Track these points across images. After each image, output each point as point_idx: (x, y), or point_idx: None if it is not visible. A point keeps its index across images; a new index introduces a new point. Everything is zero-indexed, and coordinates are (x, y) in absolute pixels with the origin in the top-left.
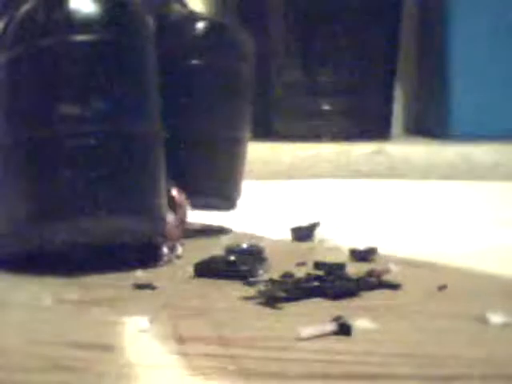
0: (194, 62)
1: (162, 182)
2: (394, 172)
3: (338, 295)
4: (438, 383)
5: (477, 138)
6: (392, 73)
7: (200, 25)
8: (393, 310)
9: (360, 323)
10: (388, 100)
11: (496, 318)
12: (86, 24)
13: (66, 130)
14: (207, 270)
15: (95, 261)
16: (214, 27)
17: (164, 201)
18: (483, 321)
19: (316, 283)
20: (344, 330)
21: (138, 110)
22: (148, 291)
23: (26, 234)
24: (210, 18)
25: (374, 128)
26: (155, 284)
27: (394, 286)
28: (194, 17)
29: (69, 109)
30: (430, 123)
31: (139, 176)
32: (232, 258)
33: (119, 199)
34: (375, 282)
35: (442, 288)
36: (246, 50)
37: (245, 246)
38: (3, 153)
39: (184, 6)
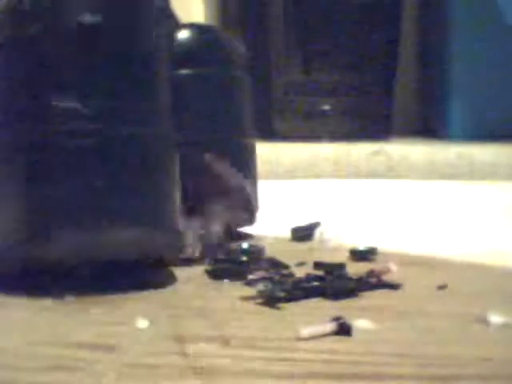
0: (184, 71)
1: (175, 190)
2: (393, 172)
3: (337, 295)
4: (437, 383)
5: (477, 138)
6: (392, 73)
7: (188, 32)
8: (393, 310)
9: (360, 323)
10: (388, 100)
11: (496, 318)
12: (76, 7)
13: (56, 129)
14: (207, 270)
15: (96, 280)
16: (203, 34)
17: (177, 210)
18: (483, 321)
19: (316, 283)
20: (344, 329)
21: (143, 107)
22: (148, 291)
23: (15, 252)
24: (197, 25)
25: (374, 128)
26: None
27: (393, 286)
28: (180, 24)
29: (59, 104)
30: (430, 123)
31: (147, 182)
32: (233, 258)
33: (124, 209)
34: (375, 282)
35: (442, 288)
36: (238, 56)
37: (245, 245)
38: None
39: (171, 15)
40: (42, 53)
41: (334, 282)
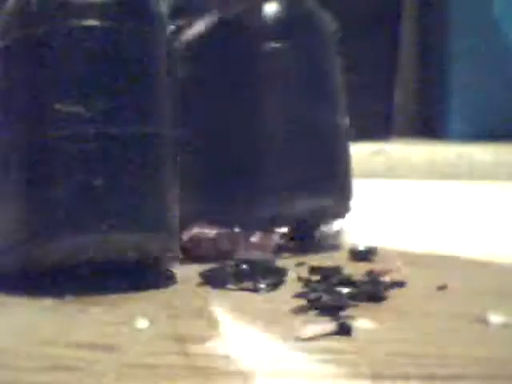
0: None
1: (174, 192)
2: (393, 172)
3: (324, 310)
4: (437, 383)
5: (477, 138)
6: (392, 73)
7: (278, 5)
8: (393, 310)
9: (360, 323)
10: (388, 100)
11: (496, 318)
12: (85, 8)
13: (60, 131)
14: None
15: (96, 280)
16: (295, 7)
17: (176, 213)
18: (483, 321)
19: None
20: (344, 329)
21: (146, 109)
22: (148, 291)
23: (15, 252)
24: None
25: (374, 128)
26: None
27: (393, 286)
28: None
29: (63, 107)
30: (430, 123)
31: (148, 183)
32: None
33: (122, 212)
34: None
35: (441, 288)
36: (329, 31)
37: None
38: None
39: None
40: (49, 55)
41: (322, 297)
